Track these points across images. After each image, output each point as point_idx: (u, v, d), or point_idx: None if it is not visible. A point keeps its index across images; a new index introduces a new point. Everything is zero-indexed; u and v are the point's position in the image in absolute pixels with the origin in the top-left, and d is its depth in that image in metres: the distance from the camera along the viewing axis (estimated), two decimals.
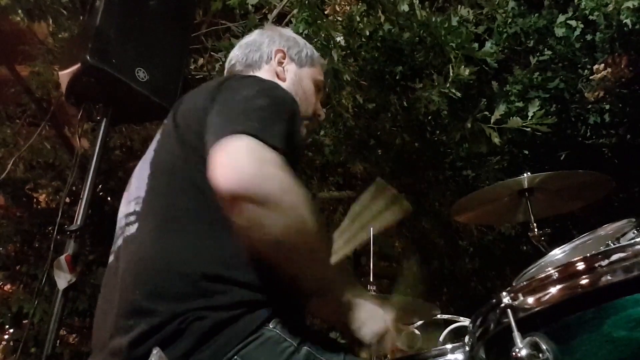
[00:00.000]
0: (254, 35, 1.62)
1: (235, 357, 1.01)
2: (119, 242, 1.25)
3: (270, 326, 1.05)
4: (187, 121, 1.24)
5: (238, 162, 1.01)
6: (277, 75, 1.52)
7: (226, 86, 1.25)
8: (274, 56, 1.54)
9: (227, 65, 1.62)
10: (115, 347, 1.08)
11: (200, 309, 1.03)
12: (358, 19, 3.19)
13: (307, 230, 1.06)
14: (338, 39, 3.13)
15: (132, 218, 1.22)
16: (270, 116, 1.14)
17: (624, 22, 3.18)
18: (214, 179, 1.01)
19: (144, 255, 1.13)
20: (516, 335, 1.20)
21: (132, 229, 1.20)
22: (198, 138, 1.16)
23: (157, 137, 1.35)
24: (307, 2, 3.02)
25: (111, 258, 1.27)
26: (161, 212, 1.17)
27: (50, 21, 3.41)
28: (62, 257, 2.08)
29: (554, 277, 1.23)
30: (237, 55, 1.59)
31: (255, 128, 1.06)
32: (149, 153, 1.33)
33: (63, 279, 2.05)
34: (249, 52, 1.57)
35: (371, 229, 1.51)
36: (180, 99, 1.36)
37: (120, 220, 1.29)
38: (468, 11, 3.36)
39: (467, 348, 1.69)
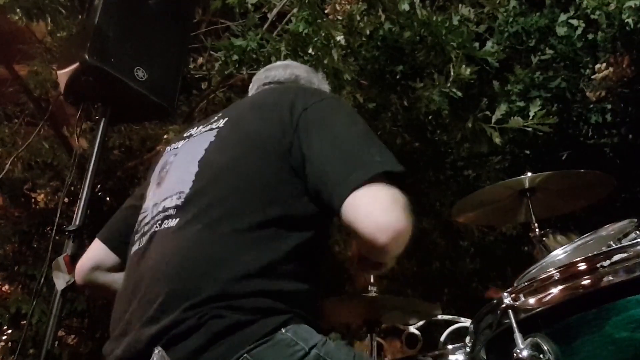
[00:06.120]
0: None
1: (246, 355, 1.03)
2: (151, 229, 1.26)
3: (283, 331, 1.07)
4: (267, 132, 1.27)
5: (391, 222, 1.11)
6: None
7: (314, 109, 1.29)
8: None
9: (282, 75, 1.63)
10: (135, 337, 1.11)
11: (220, 307, 1.06)
12: (358, 18, 3.18)
13: None
14: (338, 38, 3.12)
15: (172, 212, 1.23)
16: (374, 140, 1.26)
17: (625, 21, 3.17)
18: (365, 233, 1.11)
19: (185, 253, 1.15)
20: (517, 336, 1.20)
21: (172, 222, 1.21)
22: (282, 154, 1.23)
23: (209, 137, 1.35)
24: (307, 1, 3.01)
25: (139, 245, 1.28)
26: (210, 214, 1.18)
27: (49, 20, 3.39)
28: (61, 258, 2.06)
29: (556, 278, 1.22)
30: (299, 74, 1.63)
31: (380, 166, 1.16)
32: (196, 150, 1.33)
33: (61, 280, 2.03)
34: (314, 79, 1.64)
35: None
36: (236, 105, 1.41)
37: (152, 208, 1.31)
38: (469, 10, 3.34)
39: (468, 349, 1.68)
